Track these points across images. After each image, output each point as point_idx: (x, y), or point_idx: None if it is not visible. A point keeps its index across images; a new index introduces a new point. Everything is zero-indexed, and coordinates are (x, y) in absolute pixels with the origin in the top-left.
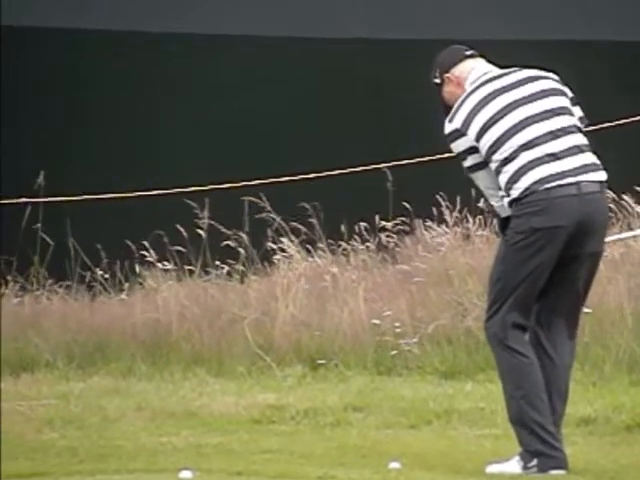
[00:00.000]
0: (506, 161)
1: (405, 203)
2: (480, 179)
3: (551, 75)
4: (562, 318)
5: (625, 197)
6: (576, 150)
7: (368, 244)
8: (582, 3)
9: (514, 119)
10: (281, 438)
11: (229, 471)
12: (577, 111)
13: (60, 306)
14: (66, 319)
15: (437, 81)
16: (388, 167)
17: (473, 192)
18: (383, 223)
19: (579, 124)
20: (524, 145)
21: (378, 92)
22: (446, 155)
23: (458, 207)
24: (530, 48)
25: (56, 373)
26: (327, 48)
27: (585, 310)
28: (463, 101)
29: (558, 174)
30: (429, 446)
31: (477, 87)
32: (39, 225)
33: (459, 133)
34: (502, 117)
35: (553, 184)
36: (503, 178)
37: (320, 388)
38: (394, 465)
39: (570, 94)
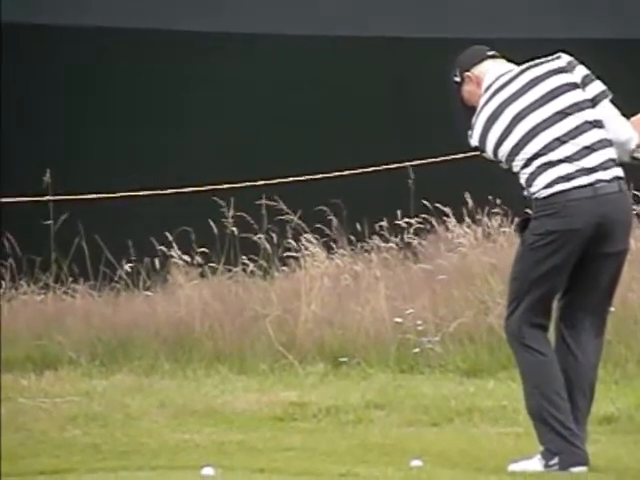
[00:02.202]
0: (521, 169)
1: (427, 201)
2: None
3: (562, 60)
4: (587, 316)
5: None
6: (588, 151)
7: (390, 242)
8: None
9: (524, 128)
10: (303, 435)
11: (251, 468)
12: (595, 87)
13: (83, 304)
14: (89, 317)
15: (457, 80)
16: (410, 166)
17: (494, 191)
18: (405, 221)
19: (591, 120)
20: (535, 154)
21: (399, 90)
22: (468, 154)
23: (480, 205)
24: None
25: (79, 371)
26: (348, 46)
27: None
28: (477, 116)
29: (572, 177)
30: (451, 444)
31: (489, 98)
32: (56, 222)
33: (480, 149)
34: (513, 129)
35: (568, 186)
36: (521, 182)
37: (342, 386)
38: (416, 463)
39: (584, 72)
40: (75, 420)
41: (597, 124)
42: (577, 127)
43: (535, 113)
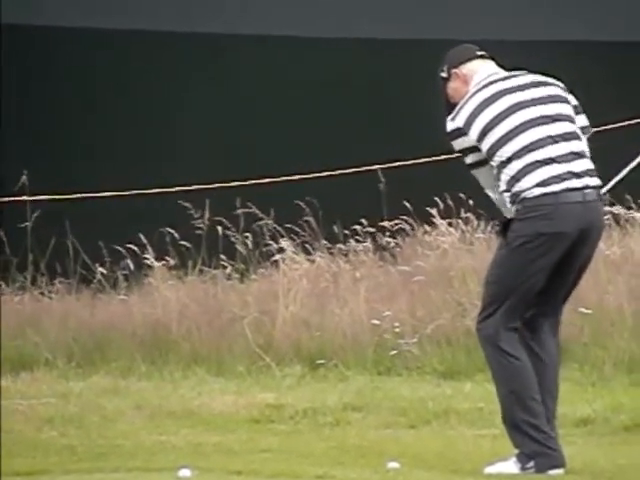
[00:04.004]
0: (507, 161)
1: (406, 203)
2: (481, 175)
3: (557, 82)
4: (548, 318)
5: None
6: (575, 156)
7: (368, 244)
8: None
9: (515, 121)
10: (280, 437)
11: (228, 470)
12: (581, 120)
13: (60, 305)
14: (66, 318)
15: (444, 75)
16: (387, 167)
17: (473, 193)
18: (384, 223)
19: (579, 132)
20: (525, 147)
21: (378, 92)
22: (446, 156)
23: (458, 208)
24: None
25: (56, 372)
26: (325, 47)
27: (585, 311)
28: (467, 100)
29: (564, 178)
30: (428, 446)
31: (481, 88)
32: (28, 224)
33: (461, 132)
34: (504, 119)
35: (560, 188)
36: (504, 177)
37: (319, 388)
38: (393, 465)
39: (574, 102)
40: (51, 421)
41: (586, 139)
42: (569, 132)
43: (528, 110)
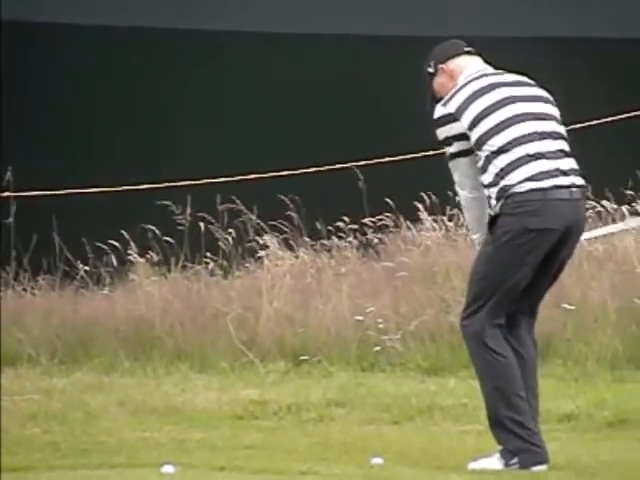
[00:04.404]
0: (497, 153)
1: (389, 200)
2: (461, 167)
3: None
4: (525, 315)
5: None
6: (562, 154)
7: (352, 240)
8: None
9: (507, 114)
10: (264, 434)
11: (211, 466)
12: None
13: (43, 301)
14: (49, 314)
15: (430, 70)
16: (371, 164)
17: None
18: (367, 220)
19: (565, 133)
20: (516, 140)
21: (364, 89)
22: (430, 152)
23: (441, 205)
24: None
25: (39, 368)
26: (311, 44)
27: (568, 307)
28: (459, 89)
29: (552, 175)
30: (411, 442)
31: (473, 79)
32: (10, 220)
33: (451, 117)
34: (496, 110)
35: (549, 184)
36: (493, 169)
37: (303, 384)
38: (376, 461)
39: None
40: (34, 418)
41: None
42: (556, 132)
43: (526, 103)
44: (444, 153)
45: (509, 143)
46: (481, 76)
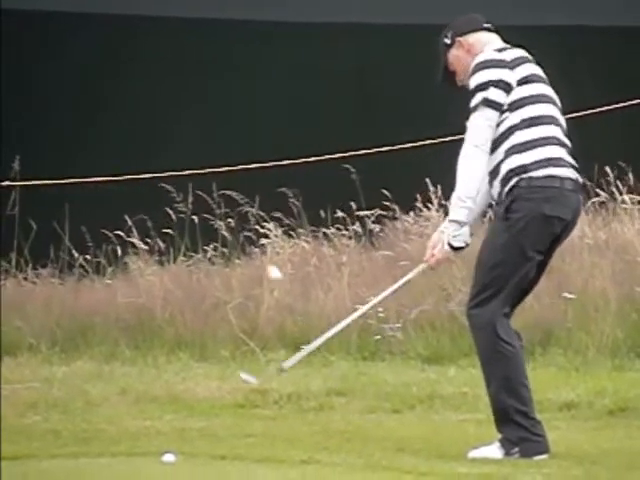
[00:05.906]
0: (526, 123)
1: (388, 189)
2: (484, 117)
3: None
4: (514, 306)
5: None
6: (569, 150)
7: (352, 229)
8: None
9: (540, 89)
10: (264, 422)
11: (212, 455)
12: None
13: (44, 290)
14: (50, 303)
15: (447, 42)
16: (369, 154)
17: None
18: (367, 211)
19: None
20: (545, 117)
21: (365, 77)
22: (428, 142)
23: (441, 193)
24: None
25: (39, 357)
26: (312, 33)
27: (569, 296)
28: (504, 49)
29: (564, 165)
30: (412, 431)
31: (510, 49)
32: (16, 209)
33: (502, 63)
34: (534, 81)
35: (563, 174)
36: (515, 139)
37: (304, 373)
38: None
39: None
40: (35, 406)
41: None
42: (564, 127)
43: (545, 85)
44: (447, 141)
45: (538, 118)
46: (510, 49)
